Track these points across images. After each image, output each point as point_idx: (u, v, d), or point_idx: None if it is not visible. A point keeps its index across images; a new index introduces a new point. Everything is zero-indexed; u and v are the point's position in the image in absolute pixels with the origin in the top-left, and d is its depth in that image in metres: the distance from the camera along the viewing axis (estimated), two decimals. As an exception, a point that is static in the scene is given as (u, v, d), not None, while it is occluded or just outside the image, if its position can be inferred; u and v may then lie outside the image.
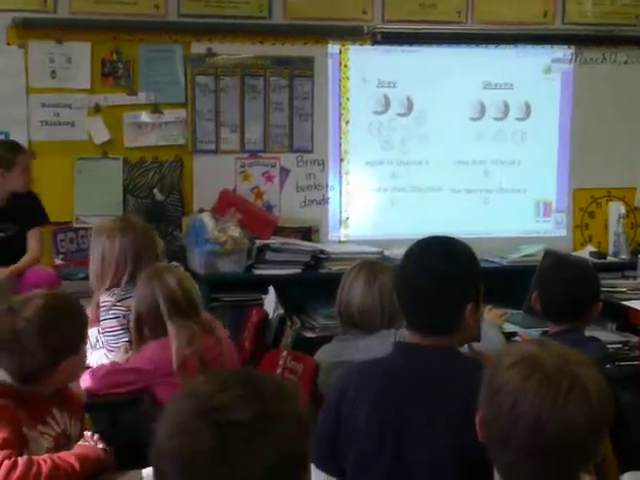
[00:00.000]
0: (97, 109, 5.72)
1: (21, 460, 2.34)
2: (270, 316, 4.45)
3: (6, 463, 2.31)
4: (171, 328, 3.38)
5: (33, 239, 5.04)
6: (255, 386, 1.45)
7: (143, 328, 3.50)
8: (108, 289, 3.80)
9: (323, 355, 3.54)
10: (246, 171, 6.01)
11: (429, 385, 2.32)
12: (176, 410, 1.42)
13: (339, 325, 3.70)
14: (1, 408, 2.44)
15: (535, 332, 4.66)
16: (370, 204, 6.22)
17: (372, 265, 3.66)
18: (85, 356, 2.81)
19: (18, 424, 2.45)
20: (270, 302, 4.57)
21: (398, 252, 4.35)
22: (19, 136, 5.47)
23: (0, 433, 2.38)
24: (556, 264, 3.63)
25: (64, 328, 2.61)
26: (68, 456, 2.43)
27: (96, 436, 2.63)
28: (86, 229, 5.74)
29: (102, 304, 3.75)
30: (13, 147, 5.07)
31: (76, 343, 2.67)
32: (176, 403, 1.43)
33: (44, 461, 2.38)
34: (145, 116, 5.79)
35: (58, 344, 2.57)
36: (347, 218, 6.18)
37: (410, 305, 2.41)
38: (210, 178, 5.88)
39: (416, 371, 2.35)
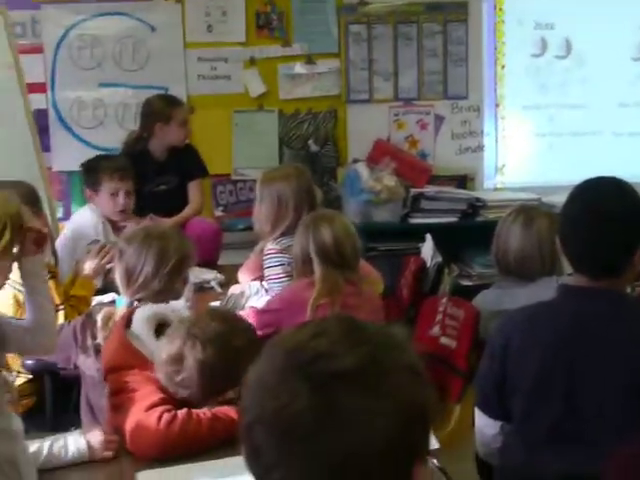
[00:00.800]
0: (252, 62, 5.79)
1: (180, 413, 2.41)
2: (428, 264, 4.42)
3: (166, 415, 2.38)
4: (317, 275, 3.39)
5: (194, 191, 5.16)
6: (357, 330, 1.19)
7: (299, 274, 3.53)
8: (276, 238, 3.82)
9: (482, 303, 3.49)
10: (400, 119, 5.97)
11: (602, 328, 2.27)
12: (263, 370, 1.17)
13: (497, 273, 3.63)
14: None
15: None
16: (527, 150, 6.09)
17: (529, 210, 3.57)
18: None
19: None
20: (427, 250, 4.54)
21: (557, 199, 4.24)
22: (177, 91, 5.60)
23: (158, 394, 2.46)
24: None
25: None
26: (227, 409, 2.48)
27: None
28: (244, 181, 5.86)
29: (267, 252, 3.78)
30: (171, 101, 5.18)
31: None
32: (262, 362, 1.19)
33: (203, 413, 2.44)
34: (299, 67, 5.83)
35: None
36: (503, 165, 6.07)
37: (578, 248, 2.35)
38: (364, 128, 5.88)
39: (588, 314, 2.30)
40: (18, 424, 2.23)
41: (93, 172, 4.55)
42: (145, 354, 2.59)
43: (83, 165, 4.70)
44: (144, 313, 2.74)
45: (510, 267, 3.45)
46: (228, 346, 2.43)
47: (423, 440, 1.17)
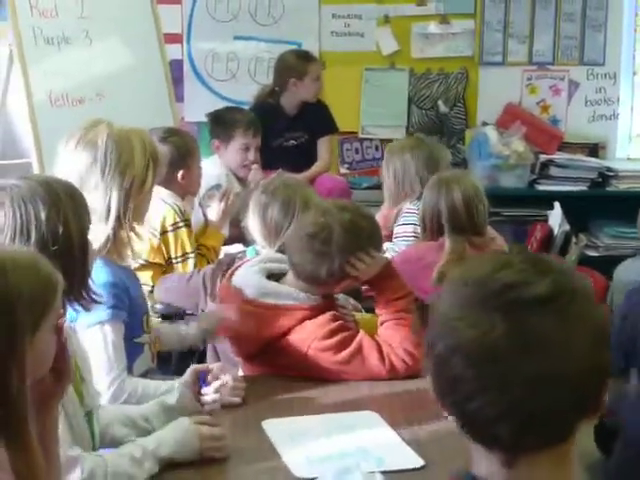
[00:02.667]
0: (386, 19, 5.76)
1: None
2: (555, 232, 4.36)
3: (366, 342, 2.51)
4: (447, 241, 3.38)
5: (323, 147, 5.19)
6: (540, 261, 1.23)
7: (425, 235, 3.54)
8: (411, 201, 3.89)
9: (625, 271, 3.43)
10: (533, 84, 5.86)
11: None
12: (451, 303, 1.21)
13: (628, 245, 3.56)
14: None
15: None
16: (664, 120, 5.90)
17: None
18: None
19: None
20: (555, 218, 4.48)
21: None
22: (310, 47, 5.62)
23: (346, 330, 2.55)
24: None
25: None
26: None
27: None
28: (371, 139, 5.86)
29: (405, 210, 3.87)
30: (305, 57, 5.21)
31: None
32: (447, 296, 1.22)
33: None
34: (433, 27, 5.76)
35: None
36: (638, 135, 5.90)
37: None
38: (495, 90, 5.80)
39: None
40: None
41: (226, 124, 4.59)
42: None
43: (213, 116, 4.75)
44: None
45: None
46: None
47: (610, 361, 1.21)
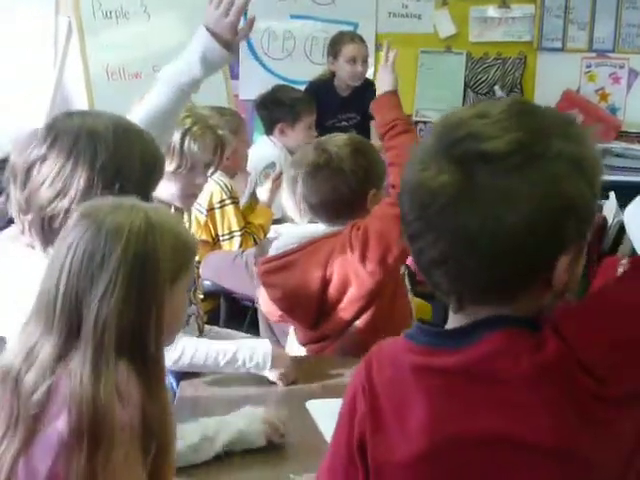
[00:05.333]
0: (444, 2, 5.71)
1: None
2: (609, 223, 4.29)
3: None
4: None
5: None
6: (524, 114, 1.17)
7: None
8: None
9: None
10: (592, 71, 5.77)
11: None
12: (421, 145, 1.20)
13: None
14: None
15: None
16: None
17: None
18: None
19: None
20: (610, 208, 4.39)
21: None
22: (366, 27, 5.59)
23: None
24: None
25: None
26: None
27: None
28: (425, 122, 5.81)
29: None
30: (341, 37, 5.04)
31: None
32: (425, 138, 1.21)
33: None
34: (492, 11, 5.70)
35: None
36: (697, 126, 5.80)
37: None
38: (553, 77, 5.72)
39: None
40: None
41: (290, 106, 4.54)
42: None
43: (270, 100, 4.66)
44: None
45: None
46: None
47: (573, 235, 1.15)
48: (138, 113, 2.29)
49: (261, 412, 2.08)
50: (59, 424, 1.43)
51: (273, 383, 2.39)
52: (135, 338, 1.48)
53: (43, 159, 1.90)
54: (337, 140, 2.65)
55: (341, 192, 2.57)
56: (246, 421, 2.03)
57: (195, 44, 2.35)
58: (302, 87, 5.05)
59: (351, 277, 2.52)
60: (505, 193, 1.11)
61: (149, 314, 1.49)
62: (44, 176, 1.90)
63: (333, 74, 5.10)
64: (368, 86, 5.16)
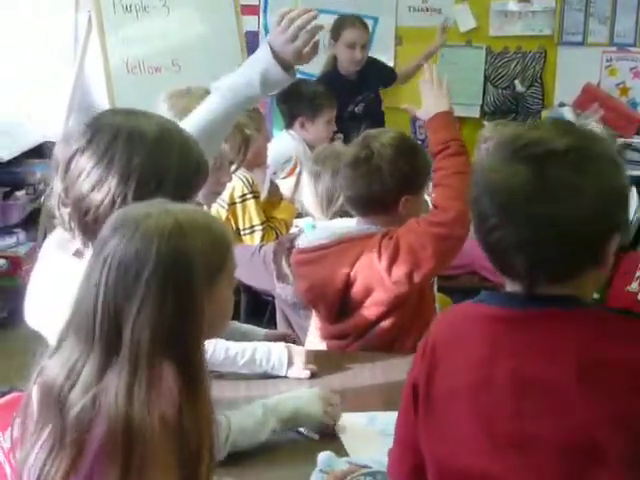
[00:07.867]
0: (464, -4, 5.70)
1: None
2: (630, 218, 4.27)
3: None
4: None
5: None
6: (568, 124, 1.51)
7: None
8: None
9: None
10: (613, 65, 5.75)
11: None
12: (490, 157, 1.46)
13: None
14: None
15: None
16: None
17: None
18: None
19: None
20: (631, 203, 4.38)
21: None
22: (387, 21, 5.61)
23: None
24: None
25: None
26: None
27: None
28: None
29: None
30: (341, 20, 4.98)
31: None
32: (490, 152, 1.47)
33: None
34: (512, 4, 5.68)
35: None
36: None
37: None
38: (574, 71, 5.70)
39: None
40: None
41: (310, 100, 4.53)
42: None
43: (290, 95, 4.63)
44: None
45: None
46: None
47: (620, 219, 1.42)
48: (189, 120, 2.27)
49: (318, 391, 2.11)
50: (95, 441, 1.42)
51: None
52: (174, 343, 1.47)
53: (82, 152, 1.91)
54: (384, 137, 2.64)
55: (374, 190, 2.58)
56: (304, 400, 2.08)
57: (257, 61, 2.28)
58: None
59: (374, 283, 2.54)
60: (572, 185, 1.36)
61: (187, 318, 1.48)
62: (81, 168, 1.90)
63: (335, 60, 5.05)
64: (369, 65, 5.09)
